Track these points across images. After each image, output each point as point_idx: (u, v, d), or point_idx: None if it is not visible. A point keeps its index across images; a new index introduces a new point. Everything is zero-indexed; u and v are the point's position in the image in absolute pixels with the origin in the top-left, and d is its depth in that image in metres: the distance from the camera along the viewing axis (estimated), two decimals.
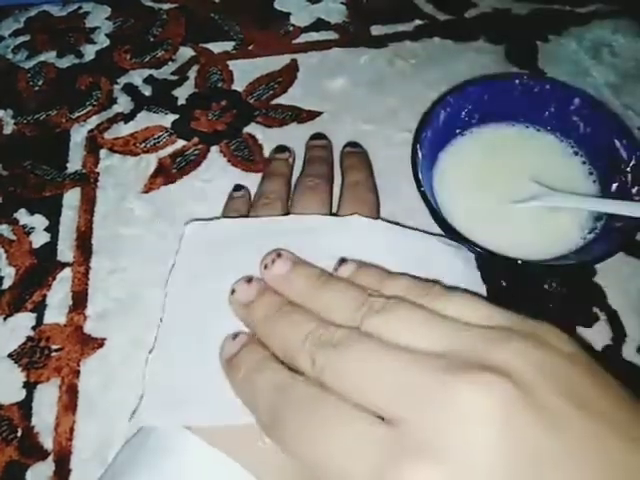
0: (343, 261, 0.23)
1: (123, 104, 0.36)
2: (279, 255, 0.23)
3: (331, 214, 0.28)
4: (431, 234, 0.27)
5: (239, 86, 0.37)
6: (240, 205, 0.30)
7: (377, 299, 0.20)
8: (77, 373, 0.27)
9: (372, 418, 0.17)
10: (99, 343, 0.28)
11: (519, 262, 0.26)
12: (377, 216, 0.28)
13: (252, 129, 0.35)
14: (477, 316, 0.18)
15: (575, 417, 0.15)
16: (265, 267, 0.23)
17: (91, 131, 0.35)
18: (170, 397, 0.22)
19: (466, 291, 0.20)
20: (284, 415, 0.18)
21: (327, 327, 0.19)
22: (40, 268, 0.30)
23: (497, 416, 0.15)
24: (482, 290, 0.26)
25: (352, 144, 0.33)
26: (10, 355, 0.28)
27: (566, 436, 0.15)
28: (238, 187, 0.31)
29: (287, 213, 0.28)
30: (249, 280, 0.23)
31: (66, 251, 0.31)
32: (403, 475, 0.15)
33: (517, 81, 0.32)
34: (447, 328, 0.18)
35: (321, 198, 0.29)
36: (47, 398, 0.27)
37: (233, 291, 0.23)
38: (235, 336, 0.22)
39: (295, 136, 0.34)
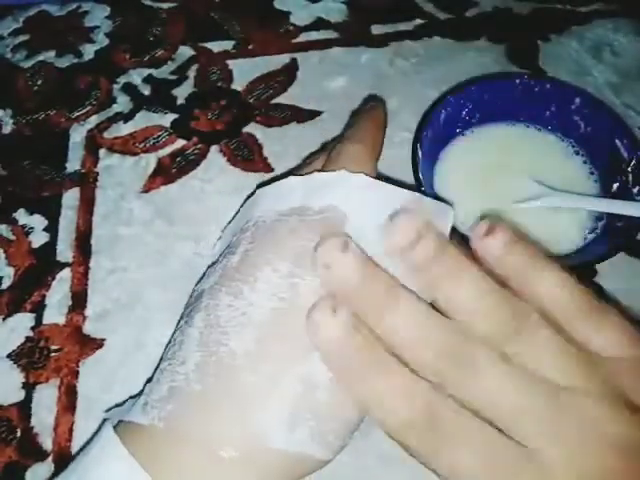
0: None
1: (122, 103, 0.36)
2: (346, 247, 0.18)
3: None
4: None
5: (239, 85, 0.37)
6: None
7: (528, 318, 0.18)
8: (76, 374, 0.27)
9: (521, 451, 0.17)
10: (98, 344, 0.28)
11: None
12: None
13: (252, 129, 0.35)
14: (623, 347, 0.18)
15: None
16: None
17: (90, 131, 0.35)
18: None
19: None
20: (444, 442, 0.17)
21: (468, 344, 0.17)
22: (39, 268, 0.30)
23: None
24: None
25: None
26: (9, 355, 0.28)
27: None
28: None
29: None
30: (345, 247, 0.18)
31: (65, 251, 0.30)
32: None
33: (518, 80, 0.32)
34: (589, 365, 0.18)
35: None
36: (46, 399, 0.27)
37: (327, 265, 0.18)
38: (335, 308, 0.18)
39: (295, 136, 0.34)
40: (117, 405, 0.25)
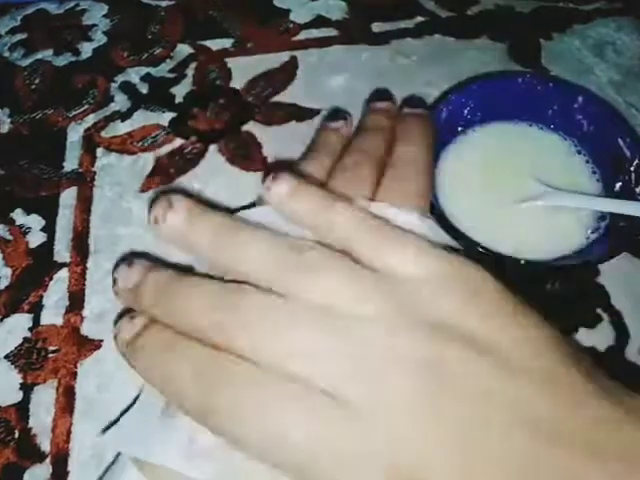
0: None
1: (120, 102, 0.36)
2: (171, 206, 0.20)
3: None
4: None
5: (238, 84, 0.37)
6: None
7: (309, 251, 0.17)
8: (74, 375, 0.27)
9: (322, 397, 0.16)
10: (96, 345, 0.28)
11: (522, 262, 0.26)
12: (423, 206, 0.23)
13: (251, 127, 0.35)
14: (414, 267, 0.17)
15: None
16: (155, 221, 0.20)
17: (88, 130, 0.35)
18: (145, 425, 0.20)
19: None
20: (218, 397, 0.16)
21: (237, 291, 0.17)
22: (37, 268, 0.30)
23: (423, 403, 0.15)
24: None
25: (412, 101, 0.28)
26: (7, 356, 0.27)
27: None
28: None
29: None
30: (130, 263, 0.20)
31: (63, 251, 0.30)
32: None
33: (520, 79, 0.31)
34: (380, 293, 0.16)
35: (359, 181, 0.22)
36: (44, 400, 0.26)
37: (115, 281, 0.21)
38: (132, 316, 0.20)
39: (295, 134, 0.34)
40: (114, 408, 0.25)
